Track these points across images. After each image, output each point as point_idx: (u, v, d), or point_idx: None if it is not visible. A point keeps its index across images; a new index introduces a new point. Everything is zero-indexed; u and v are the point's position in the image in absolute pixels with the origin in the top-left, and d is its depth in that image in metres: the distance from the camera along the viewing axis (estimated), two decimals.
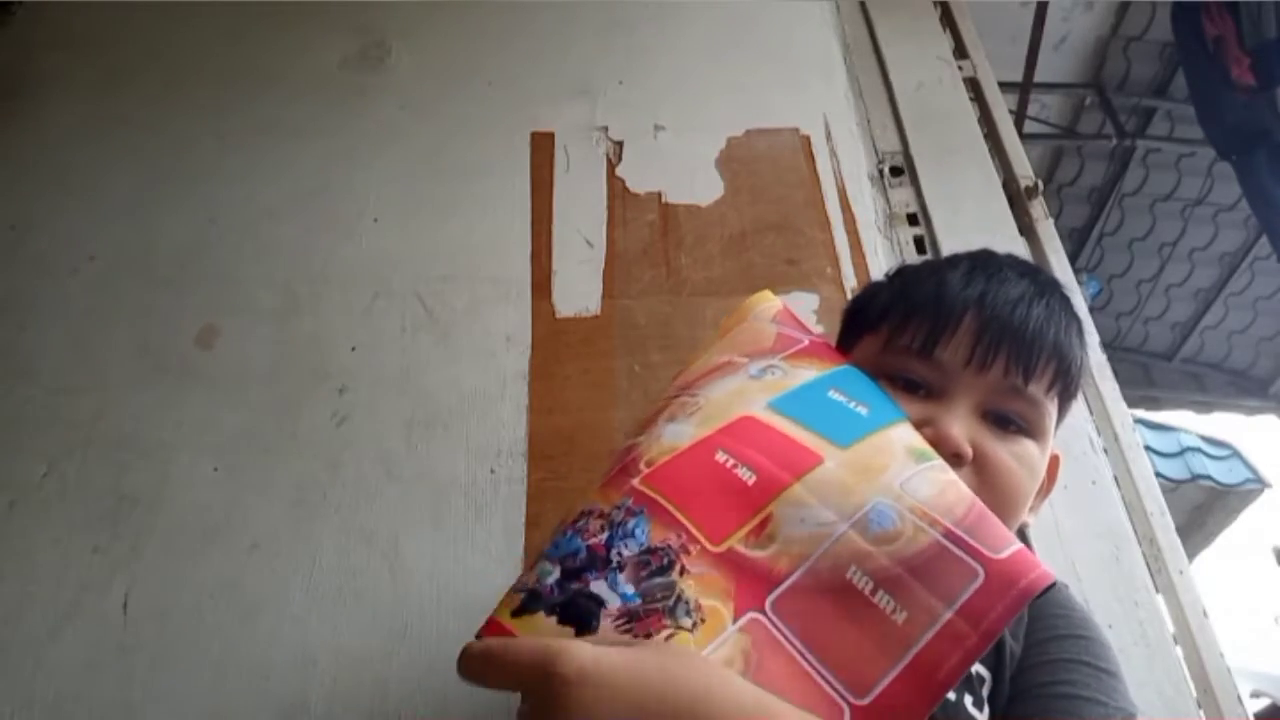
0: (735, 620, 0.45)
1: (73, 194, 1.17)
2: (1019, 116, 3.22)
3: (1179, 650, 0.83)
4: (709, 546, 0.47)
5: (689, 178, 1.15)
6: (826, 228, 1.10)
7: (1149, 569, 0.88)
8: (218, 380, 1.00)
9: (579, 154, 1.18)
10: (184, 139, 1.21)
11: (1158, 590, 0.87)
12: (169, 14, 1.36)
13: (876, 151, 1.20)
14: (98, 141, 1.22)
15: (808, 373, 0.59)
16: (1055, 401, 0.62)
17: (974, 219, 1.13)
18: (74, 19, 1.37)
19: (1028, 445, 0.59)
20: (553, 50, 1.30)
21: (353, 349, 1.02)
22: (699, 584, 0.46)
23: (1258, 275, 3.85)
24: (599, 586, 0.46)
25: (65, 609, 0.86)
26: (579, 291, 1.05)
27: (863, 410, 0.55)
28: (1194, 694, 0.81)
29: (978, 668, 0.56)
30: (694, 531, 0.48)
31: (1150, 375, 4.46)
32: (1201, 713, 0.80)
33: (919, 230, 1.13)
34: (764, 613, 0.45)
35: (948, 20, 1.40)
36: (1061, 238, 1.17)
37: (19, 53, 1.34)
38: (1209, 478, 4.31)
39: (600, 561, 0.47)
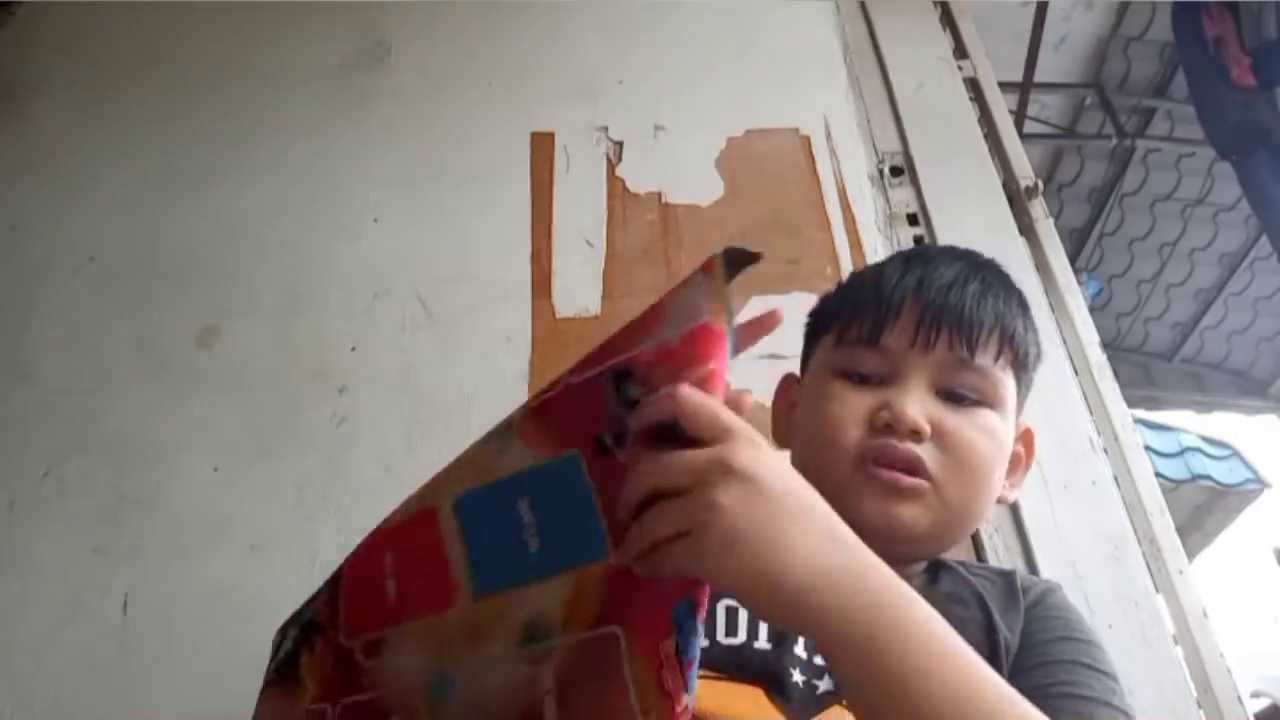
0: (313, 703, 0.50)
1: (73, 194, 1.17)
2: (1019, 116, 3.22)
3: (1179, 650, 0.83)
4: (341, 638, 0.51)
5: (689, 178, 1.15)
6: (826, 228, 1.10)
7: (1149, 569, 0.88)
8: (218, 380, 1.00)
9: (579, 154, 1.18)
10: (184, 139, 1.21)
11: (1158, 590, 0.87)
12: (169, 14, 1.36)
13: (876, 151, 1.20)
14: (98, 141, 1.22)
15: (520, 457, 0.51)
16: (1008, 371, 0.63)
17: (974, 219, 1.13)
18: (74, 19, 1.37)
19: (986, 415, 0.61)
20: (553, 50, 1.30)
21: (353, 349, 1.02)
22: (312, 662, 0.52)
23: (1258, 275, 3.85)
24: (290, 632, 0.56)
25: (65, 609, 0.86)
26: (579, 291, 1.05)
27: (532, 545, 0.45)
28: (1194, 694, 0.81)
29: None
30: (340, 618, 0.52)
31: (1150, 375, 4.46)
32: (1201, 713, 0.80)
33: (919, 230, 1.13)
34: (331, 706, 0.50)
35: (948, 20, 1.40)
36: (1061, 238, 1.17)
37: (19, 53, 1.34)
38: (1209, 478, 4.31)
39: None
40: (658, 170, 1.16)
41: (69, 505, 0.92)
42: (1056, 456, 0.94)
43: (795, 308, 1.02)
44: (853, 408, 0.60)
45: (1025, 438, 0.68)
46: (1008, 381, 0.63)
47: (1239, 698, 0.82)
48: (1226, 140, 2.76)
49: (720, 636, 0.55)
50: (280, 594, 0.86)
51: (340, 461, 0.94)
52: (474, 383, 0.99)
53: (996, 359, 0.61)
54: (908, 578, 0.62)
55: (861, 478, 0.59)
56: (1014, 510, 0.90)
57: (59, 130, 1.24)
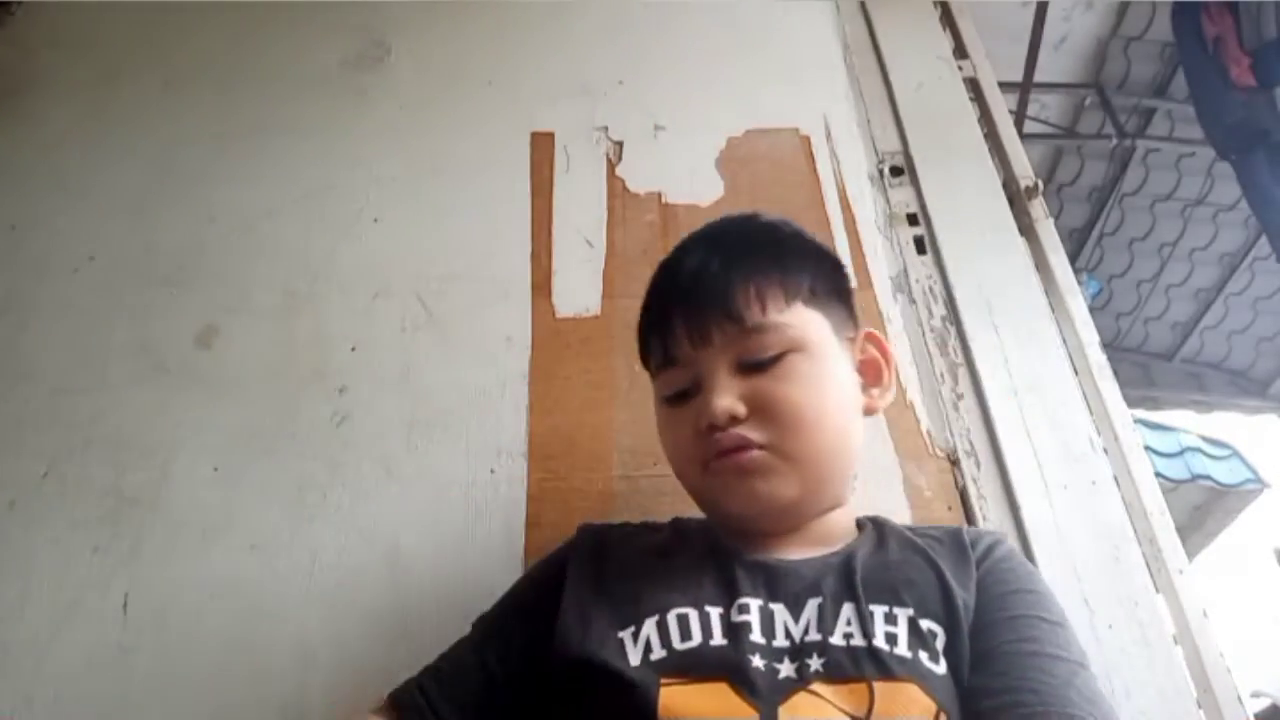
0: None
1: (73, 194, 1.17)
2: (1019, 116, 3.22)
3: (1179, 650, 0.83)
4: None
5: (689, 178, 1.15)
6: (826, 228, 1.10)
7: (1149, 569, 0.88)
8: (218, 380, 1.00)
9: (579, 154, 1.18)
10: (184, 139, 1.21)
11: (1158, 590, 0.87)
12: (169, 14, 1.36)
13: (876, 151, 1.20)
14: (98, 141, 1.22)
15: None
16: (796, 308, 0.65)
17: (974, 219, 1.13)
18: (74, 19, 1.37)
19: (790, 361, 0.63)
20: (553, 50, 1.30)
21: (353, 349, 1.02)
22: None
23: (1258, 275, 3.85)
24: None
25: (65, 609, 0.86)
26: (579, 291, 1.05)
27: None
28: (1194, 694, 0.81)
29: (928, 624, 0.58)
30: None
31: (1150, 375, 4.46)
32: (1201, 713, 0.80)
33: (919, 230, 1.13)
34: None
35: (948, 20, 1.39)
36: (1061, 238, 1.17)
37: (19, 53, 1.34)
38: (1209, 478, 4.31)
39: None
40: (658, 170, 1.16)
41: (69, 505, 0.92)
42: (1056, 456, 0.94)
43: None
44: (682, 430, 0.65)
45: (869, 340, 0.72)
46: (799, 319, 0.65)
47: (1239, 698, 0.82)
48: (1226, 140, 2.76)
49: (677, 644, 0.58)
50: (280, 594, 0.86)
51: (340, 461, 0.94)
52: (474, 383, 0.99)
53: (766, 310, 0.63)
54: (851, 550, 0.64)
55: (711, 479, 0.63)
56: (1014, 510, 0.90)
57: (59, 130, 1.24)
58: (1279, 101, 2.49)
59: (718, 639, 0.58)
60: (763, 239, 0.69)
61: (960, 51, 1.35)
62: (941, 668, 0.56)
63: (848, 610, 0.59)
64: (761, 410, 0.62)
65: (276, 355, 1.02)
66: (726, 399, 0.62)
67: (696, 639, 0.58)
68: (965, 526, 0.71)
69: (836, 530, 0.67)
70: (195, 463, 0.94)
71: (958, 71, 1.30)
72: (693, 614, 0.59)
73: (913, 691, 0.54)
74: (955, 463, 0.94)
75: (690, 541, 0.68)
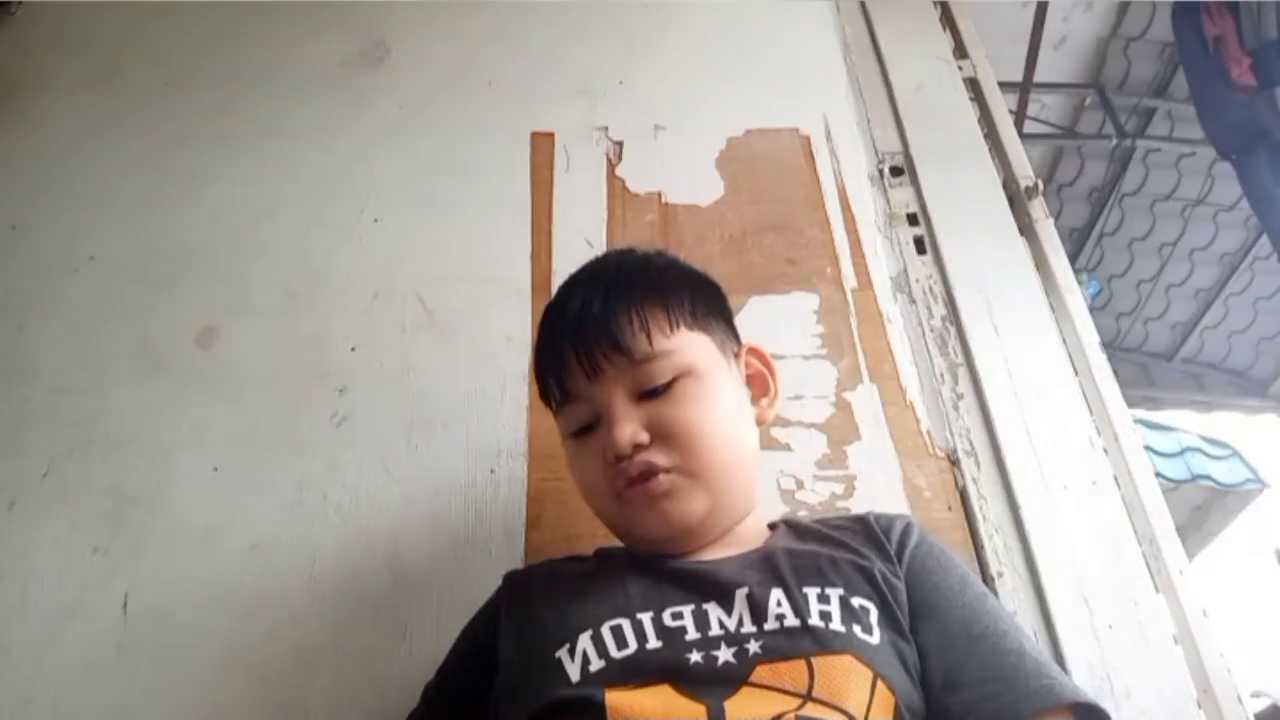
0: None
1: (73, 194, 1.17)
2: (1019, 116, 3.23)
3: (1179, 650, 0.83)
4: None
5: (689, 178, 1.15)
6: (826, 228, 1.10)
7: (1149, 569, 0.88)
8: (218, 380, 1.00)
9: (579, 154, 1.18)
10: (184, 139, 1.21)
11: (1158, 590, 0.87)
12: (169, 14, 1.36)
13: (876, 151, 1.20)
14: (98, 141, 1.22)
15: None
16: (680, 333, 0.68)
17: (974, 219, 1.13)
18: (74, 19, 1.37)
19: (683, 385, 0.66)
20: (553, 50, 1.30)
21: (353, 349, 1.02)
22: None
23: (1258, 275, 3.86)
24: None
25: (65, 609, 0.86)
26: None
27: None
28: (1194, 694, 0.81)
29: (859, 600, 0.61)
30: None
31: (1150, 375, 4.47)
32: (1202, 713, 0.80)
33: (919, 230, 1.13)
34: None
35: (948, 20, 1.39)
36: (1061, 238, 1.17)
37: (19, 53, 1.34)
38: (1209, 478, 4.31)
39: None
40: (658, 170, 1.16)
41: (69, 505, 0.92)
42: (1056, 456, 0.94)
43: (795, 307, 1.03)
44: (589, 461, 0.67)
45: (751, 355, 0.75)
46: (685, 343, 0.67)
47: (1239, 698, 0.82)
48: (1226, 140, 2.76)
49: (614, 653, 0.59)
50: (280, 594, 0.86)
51: (340, 461, 0.94)
52: (474, 383, 0.99)
53: (652, 339, 0.66)
54: (770, 551, 0.66)
55: (624, 507, 0.65)
56: (1014, 510, 0.90)
57: (59, 130, 1.24)
58: (1279, 101, 2.49)
59: (653, 642, 0.59)
60: (640, 270, 0.72)
61: (960, 51, 1.35)
62: (875, 638, 0.59)
63: (776, 594, 0.61)
64: (663, 435, 0.64)
65: (276, 355, 1.02)
66: (628, 427, 0.64)
67: (632, 646, 0.59)
68: (871, 513, 0.73)
69: (749, 535, 0.70)
70: (195, 463, 0.94)
71: (958, 71, 1.30)
72: (625, 623, 0.60)
73: (849, 663, 0.57)
74: (955, 463, 0.94)
75: (613, 562, 0.70)
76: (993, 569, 0.86)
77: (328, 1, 1.35)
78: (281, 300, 1.06)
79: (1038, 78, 3.20)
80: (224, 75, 1.28)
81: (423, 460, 0.94)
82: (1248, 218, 3.48)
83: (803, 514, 0.88)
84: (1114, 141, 3.38)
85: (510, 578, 0.73)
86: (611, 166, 1.16)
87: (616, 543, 0.73)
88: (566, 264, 1.07)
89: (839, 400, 0.97)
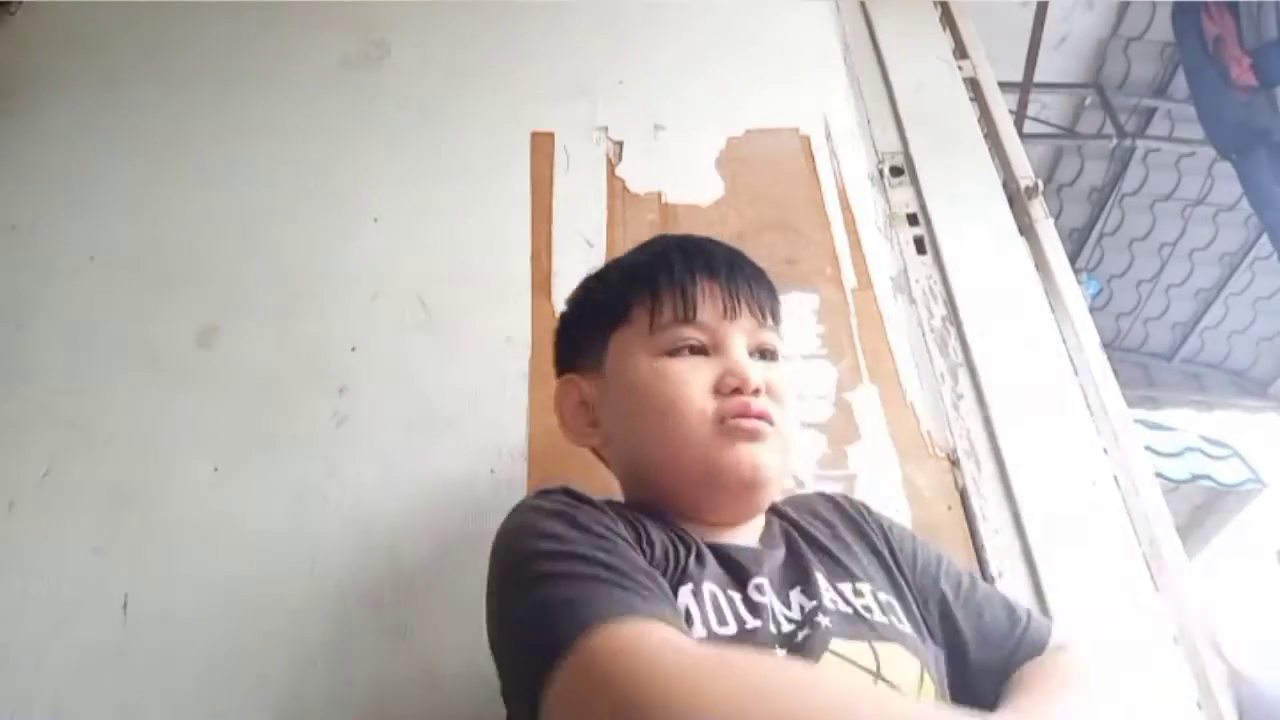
0: None
1: (73, 194, 1.17)
2: (1019, 116, 3.22)
3: (1179, 650, 0.83)
4: None
5: (689, 178, 1.15)
6: (826, 228, 1.10)
7: (1149, 569, 0.88)
8: (218, 380, 1.00)
9: (579, 154, 1.18)
10: (184, 139, 1.21)
11: (1158, 590, 0.87)
12: (169, 14, 1.36)
13: (876, 151, 1.20)
14: (98, 141, 1.22)
15: None
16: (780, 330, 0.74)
17: (974, 219, 1.13)
18: (74, 19, 1.37)
19: (782, 367, 0.71)
20: (553, 50, 1.30)
21: (353, 349, 1.02)
22: None
23: (1258, 275, 3.86)
24: None
25: (65, 609, 0.86)
26: None
27: None
28: (1194, 694, 0.81)
29: (885, 596, 0.64)
30: None
31: (1150, 375, 4.47)
32: (1202, 713, 0.80)
33: (919, 230, 1.13)
34: None
35: (948, 20, 1.40)
36: (1061, 238, 1.17)
37: (19, 53, 1.33)
38: (1209, 478, 4.30)
39: None
40: (658, 170, 1.16)
41: (69, 505, 0.92)
42: (1056, 456, 0.94)
43: (795, 308, 1.03)
44: (696, 379, 0.65)
45: None
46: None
47: None
48: (1226, 140, 2.76)
49: (715, 627, 0.56)
50: (280, 594, 0.86)
51: (340, 461, 0.94)
52: (474, 383, 0.98)
53: (776, 315, 0.72)
54: (780, 536, 0.68)
55: (723, 438, 0.64)
56: (1014, 510, 0.90)
57: (59, 130, 1.24)
58: (1279, 101, 2.49)
59: (751, 622, 0.58)
60: (758, 266, 0.74)
61: (960, 51, 1.35)
62: (909, 629, 0.62)
63: (822, 581, 0.62)
64: (772, 394, 0.66)
65: (276, 355, 1.02)
66: (756, 374, 0.65)
67: (732, 625, 0.57)
68: (822, 493, 0.77)
69: (762, 522, 0.71)
70: (195, 463, 0.94)
71: (958, 71, 1.31)
72: (718, 592, 0.58)
73: (901, 652, 0.59)
74: (955, 463, 0.94)
75: (654, 522, 0.64)
76: (993, 569, 0.86)
77: (328, 1, 1.35)
78: (281, 300, 1.06)
79: (1038, 78, 3.20)
80: (224, 75, 1.28)
81: (423, 460, 0.94)
82: (1248, 218, 3.48)
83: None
84: (1114, 141, 3.38)
85: (579, 496, 0.61)
86: (611, 166, 1.16)
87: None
88: (566, 264, 1.07)
89: (839, 400, 0.97)
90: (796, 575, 0.63)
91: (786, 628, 0.58)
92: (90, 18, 1.37)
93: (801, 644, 0.56)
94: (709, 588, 0.58)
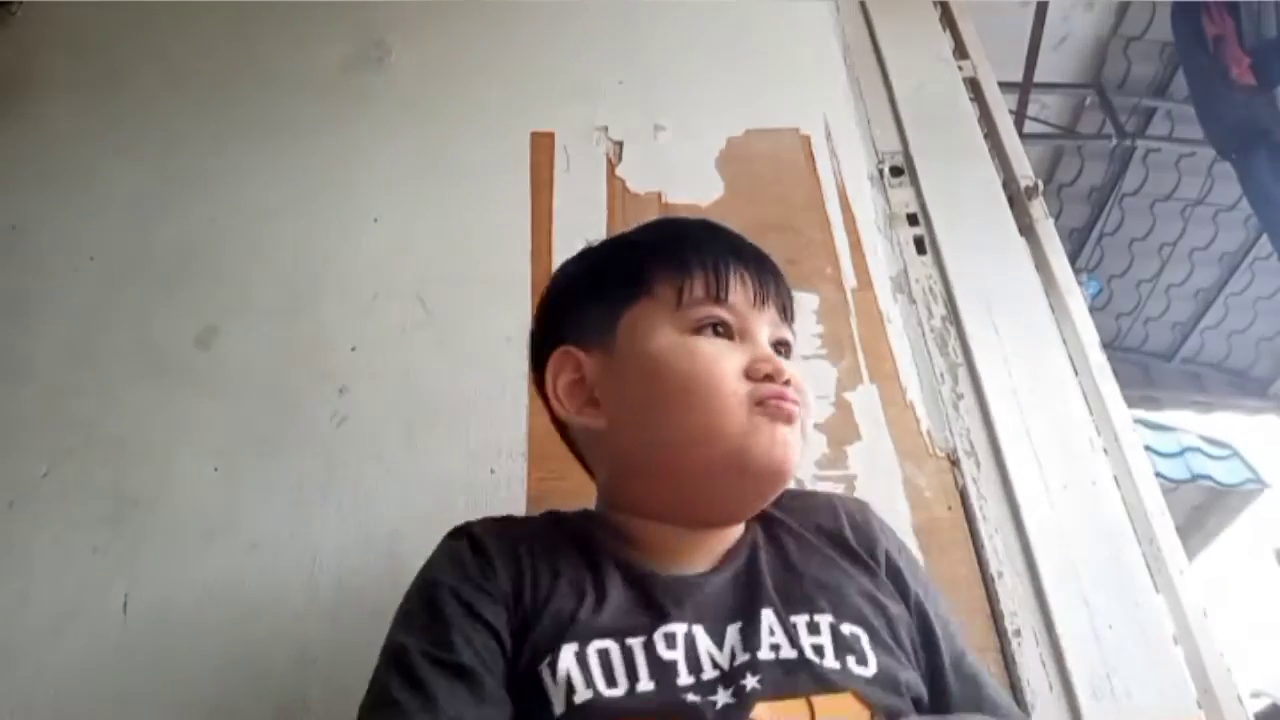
0: None
1: (73, 194, 1.17)
2: (1019, 116, 3.22)
3: (1179, 650, 0.83)
4: None
5: (689, 178, 1.15)
6: (826, 228, 1.10)
7: (1149, 569, 0.88)
8: (218, 380, 1.00)
9: (579, 154, 1.18)
10: (184, 139, 1.21)
11: (1158, 590, 0.87)
12: (169, 14, 1.36)
13: (876, 151, 1.20)
14: (98, 141, 1.22)
15: None
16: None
17: (974, 219, 1.13)
18: (74, 19, 1.37)
19: (796, 365, 0.67)
20: (553, 50, 1.30)
21: (353, 349, 1.02)
22: None
23: (1258, 275, 3.86)
24: None
25: (65, 609, 0.85)
26: None
27: None
28: (1194, 694, 0.81)
29: (849, 628, 0.60)
30: None
31: (1150, 375, 4.46)
32: (1202, 713, 0.80)
33: (919, 230, 1.13)
34: None
35: (948, 20, 1.40)
36: (1061, 238, 1.17)
37: (19, 53, 1.33)
38: (1209, 478, 4.31)
39: None
40: (658, 170, 1.16)
41: (69, 505, 0.92)
42: (1056, 456, 0.94)
43: (795, 307, 1.03)
44: (728, 360, 0.63)
45: None
46: None
47: (1239, 698, 0.82)
48: (1226, 140, 2.76)
49: (603, 690, 0.54)
50: (280, 594, 0.86)
51: (340, 461, 0.94)
52: (474, 383, 0.98)
53: (793, 319, 0.71)
54: (752, 552, 0.65)
55: (757, 418, 0.61)
56: (1014, 510, 0.90)
57: (59, 130, 1.24)
58: (1279, 101, 2.49)
59: (645, 683, 0.54)
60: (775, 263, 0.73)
61: (960, 51, 1.35)
62: (870, 669, 0.57)
63: (768, 619, 0.59)
64: (796, 387, 0.64)
65: (276, 355, 1.02)
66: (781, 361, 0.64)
67: (622, 686, 0.54)
68: (837, 501, 0.73)
69: (736, 533, 0.67)
70: (195, 463, 0.94)
71: (958, 71, 1.31)
72: (614, 649, 0.55)
73: (849, 702, 0.55)
74: (955, 463, 0.94)
75: (587, 541, 0.64)
76: (993, 569, 0.86)
77: (328, 1, 1.35)
78: (281, 300, 1.06)
79: (1038, 78, 3.20)
80: (224, 75, 1.28)
81: (423, 460, 0.94)
82: (1248, 218, 3.48)
83: None
84: (1114, 141, 3.38)
85: (471, 535, 0.64)
86: (611, 166, 1.16)
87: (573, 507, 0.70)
88: None
89: (839, 400, 0.97)
90: (740, 609, 0.59)
91: (693, 697, 0.53)
92: (90, 18, 1.37)
93: (721, 714, 0.53)
94: (599, 645, 0.55)
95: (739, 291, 0.65)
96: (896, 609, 0.64)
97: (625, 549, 0.64)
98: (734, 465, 0.61)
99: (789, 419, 0.62)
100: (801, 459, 0.66)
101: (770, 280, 0.68)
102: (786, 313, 0.69)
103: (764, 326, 0.66)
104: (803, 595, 0.61)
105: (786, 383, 0.63)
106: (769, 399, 0.61)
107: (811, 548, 0.66)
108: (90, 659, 0.83)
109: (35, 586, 0.87)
